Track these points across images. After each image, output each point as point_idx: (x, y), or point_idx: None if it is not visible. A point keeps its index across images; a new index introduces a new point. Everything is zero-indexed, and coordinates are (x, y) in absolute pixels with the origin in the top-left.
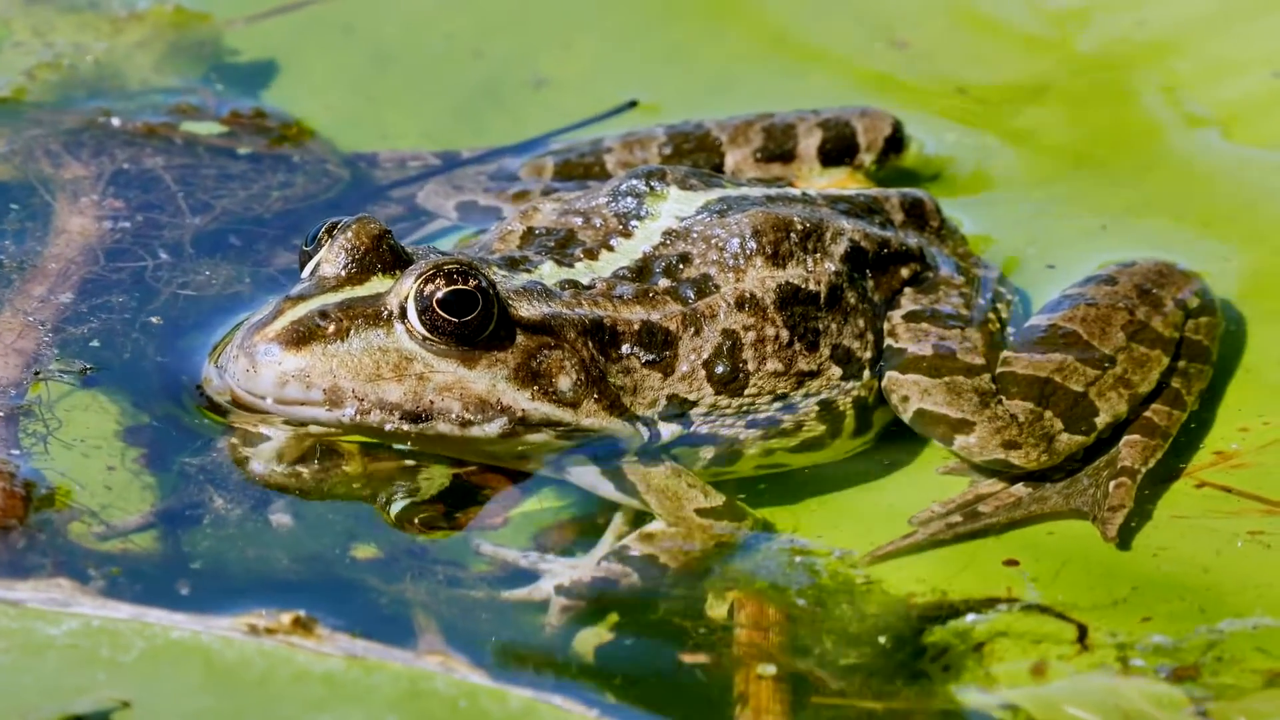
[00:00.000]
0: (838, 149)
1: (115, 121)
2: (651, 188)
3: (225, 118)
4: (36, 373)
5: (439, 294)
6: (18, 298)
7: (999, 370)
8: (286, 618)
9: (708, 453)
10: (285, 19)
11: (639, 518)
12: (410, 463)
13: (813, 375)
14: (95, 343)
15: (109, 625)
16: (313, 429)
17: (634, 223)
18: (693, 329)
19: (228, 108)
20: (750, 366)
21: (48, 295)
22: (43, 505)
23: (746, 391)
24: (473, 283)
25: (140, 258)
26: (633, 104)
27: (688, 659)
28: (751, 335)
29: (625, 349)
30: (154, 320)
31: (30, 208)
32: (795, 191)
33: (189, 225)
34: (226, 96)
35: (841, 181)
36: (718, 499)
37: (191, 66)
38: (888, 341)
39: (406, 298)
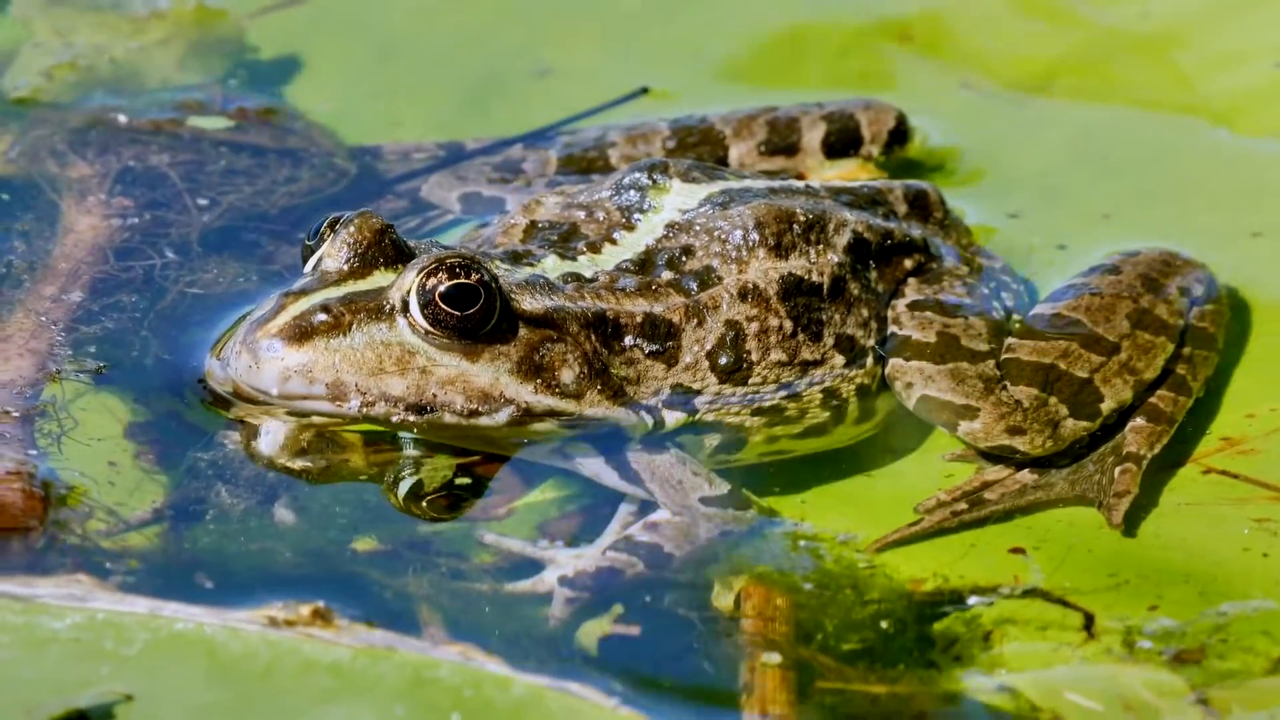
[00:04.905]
0: (842, 142)
1: (122, 119)
2: (654, 180)
3: (231, 113)
4: (58, 371)
5: (441, 287)
6: (29, 298)
7: (1004, 357)
8: (306, 609)
9: (712, 441)
10: (290, 13)
11: (644, 507)
12: (413, 454)
13: (816, 364)
14: (107, 342)
15: (113, 618)
16: (316, 419)
17: (637, 215)
18: (696, 320)
19: (234, 103)
20: (754, 357)
21: (59, 295)
22: (60, 504)
23: (750, 381)
24: (475, 276)
25: (148, 256)
26: (644, 91)
27: (693, 649)
28: (755, 326)
29: (628, 341)
30: (162, 318)
31: (38, 208)
32: (799, 184)
33: (196, 222)
34: (236, 92)
35: (851, 173)
36: (723, 487)
37: (214, 64)
38: (891, 330)
39: (409, 292)
